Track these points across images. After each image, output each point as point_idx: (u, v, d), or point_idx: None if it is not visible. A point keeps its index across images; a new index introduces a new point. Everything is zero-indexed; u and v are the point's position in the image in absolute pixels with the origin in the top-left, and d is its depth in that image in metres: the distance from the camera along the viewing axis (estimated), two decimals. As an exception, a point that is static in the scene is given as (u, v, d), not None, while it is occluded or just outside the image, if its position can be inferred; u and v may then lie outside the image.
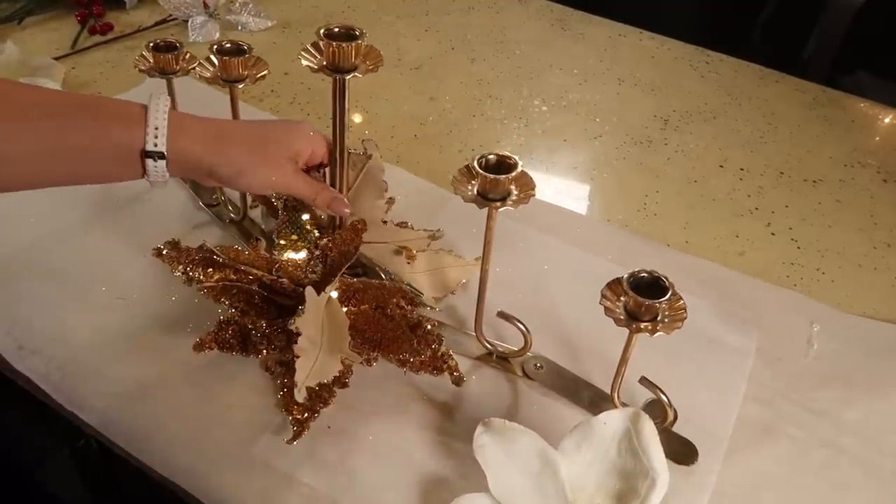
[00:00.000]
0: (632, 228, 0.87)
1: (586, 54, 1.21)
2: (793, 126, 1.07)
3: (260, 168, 0.60)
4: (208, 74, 0.73)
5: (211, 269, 0.66)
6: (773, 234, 0.88)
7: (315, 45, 0.62)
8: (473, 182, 0.59)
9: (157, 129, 0.54)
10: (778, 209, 0.91)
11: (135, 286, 0.73)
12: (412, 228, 0.77)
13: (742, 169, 0.98)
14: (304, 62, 0.62)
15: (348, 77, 0.61)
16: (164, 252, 0.66)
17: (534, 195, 0.59)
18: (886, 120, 1.12)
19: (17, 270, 0.74)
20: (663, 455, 0.56)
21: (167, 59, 0.76)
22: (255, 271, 0.66)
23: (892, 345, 0.75)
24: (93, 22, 1.15)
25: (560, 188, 0.93)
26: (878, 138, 1.09)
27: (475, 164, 0.58)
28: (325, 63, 0.62)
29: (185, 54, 0.77)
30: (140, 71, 0.76)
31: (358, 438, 0.62)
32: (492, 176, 0.57)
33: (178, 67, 0.77)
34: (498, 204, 0.58)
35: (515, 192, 0.58)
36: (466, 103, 1.06)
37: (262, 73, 0.73)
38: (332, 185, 0.68)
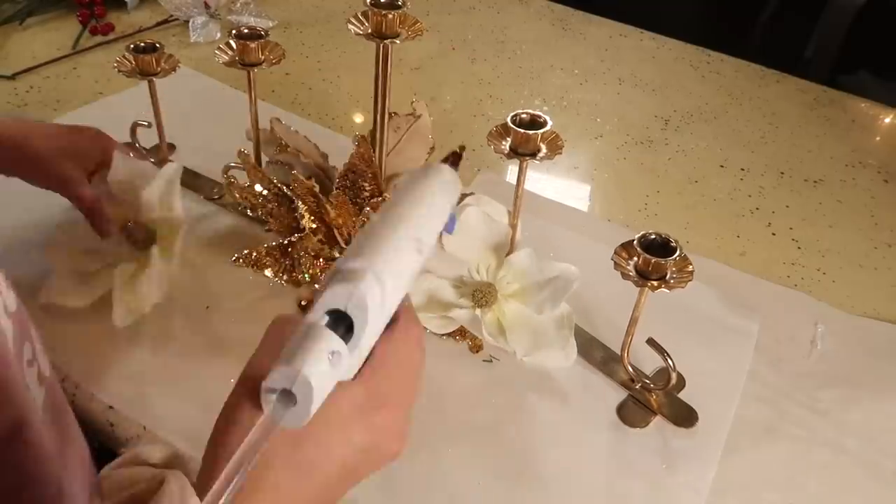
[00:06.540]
0: (633, 228, 0.87)
1: (587, 54, 1.21)
2: (793, 126, 1.07)
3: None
4: (226, 59, 0.73)
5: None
6: (773, 234, 0.88)
7: (356, 16, 0.65)
8: (507, 140, 0.64)
9: None
10: (779, 209, 0.91)
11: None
12: None
13: (743, 169, 0.98)
14: (352, 28, 0.64)
15: (391, 42, 0.65)
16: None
17: (561, 152, 0.64)
18: (887, 120, 1.13)
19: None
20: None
21: (148, 60, 0.76)
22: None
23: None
24: (94, 22, 1.15)
25: (561, 188, 0.93)
26: (878, 138, 1.09)
27: (509, 120, 0.63)
28: (370, 30, 0.64)
29: (167, 55, 0.77)
30: (121, 73, 0.76)
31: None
32: (523, 131, 0.62)
33: (159, 69, 0.77)
34: (529, 158, 0.63)
35: (545, 149, 0.64)
36: (467, 103, 1.06)
37: (279, 56, 0.74)
38: (373, 147, 0.71)
